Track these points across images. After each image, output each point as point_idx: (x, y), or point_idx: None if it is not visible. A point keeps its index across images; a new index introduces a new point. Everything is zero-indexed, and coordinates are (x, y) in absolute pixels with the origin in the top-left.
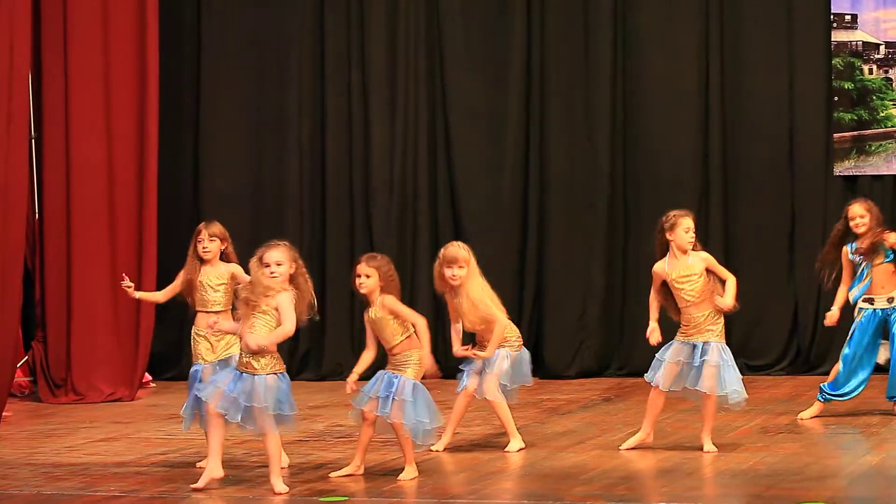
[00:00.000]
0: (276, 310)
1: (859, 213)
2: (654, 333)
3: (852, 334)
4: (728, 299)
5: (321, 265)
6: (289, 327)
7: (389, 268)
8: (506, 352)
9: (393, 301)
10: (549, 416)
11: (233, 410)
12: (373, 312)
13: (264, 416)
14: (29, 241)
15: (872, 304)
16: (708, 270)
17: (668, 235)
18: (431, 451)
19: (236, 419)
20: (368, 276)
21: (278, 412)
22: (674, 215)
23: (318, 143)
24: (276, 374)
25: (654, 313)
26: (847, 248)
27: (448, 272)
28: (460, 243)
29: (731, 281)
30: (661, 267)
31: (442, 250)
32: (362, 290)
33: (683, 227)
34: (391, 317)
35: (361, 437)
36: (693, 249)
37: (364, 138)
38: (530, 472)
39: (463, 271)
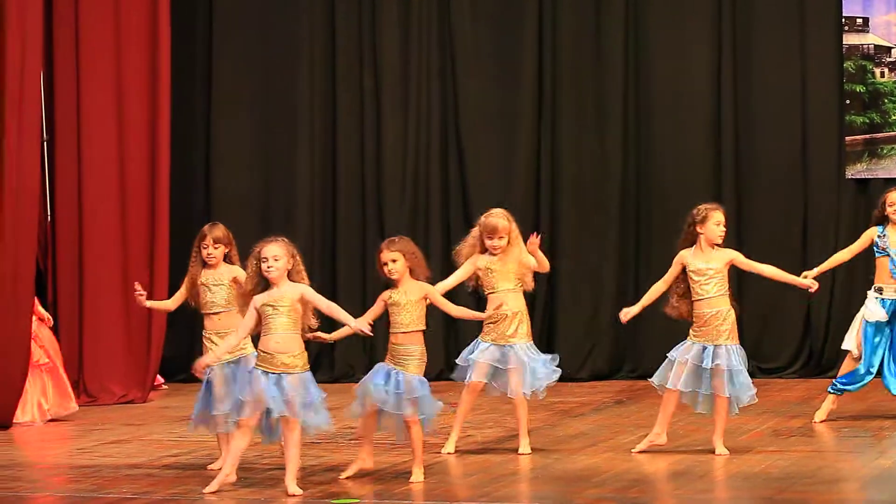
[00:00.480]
0: (295, 307)
1: None
2: (627, 315)
3: (864, 329)
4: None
5: (332, 265)
6: (329, 306)
7: (412, 246)
8: (527, 345)
9: (436, 294)
10: (560, 418)
11: (279, 410)
12: (397, 296)
13: (304, 412)
14: (41, 244)
15: (882, 293)
16: (734, 267)
17: (698, 228)
18: (442, 453)
19: (281, 415)
20: (395, 261)
21: (314, 410)
22: (705, 208)
23: (329, 143)
24: (301, 371)
25: (645, 300)
26: (876, 230)
27: (489, 242)
28: (502, 211)
29: (774, 269)
30: (686, 255)
31: (483, 218)
32: (394, 276)
33: (714, 220)
34: (420, 304)
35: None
36: (720, 246)
37: (376, 138)
38: (542, 475)
39: (503, 241)
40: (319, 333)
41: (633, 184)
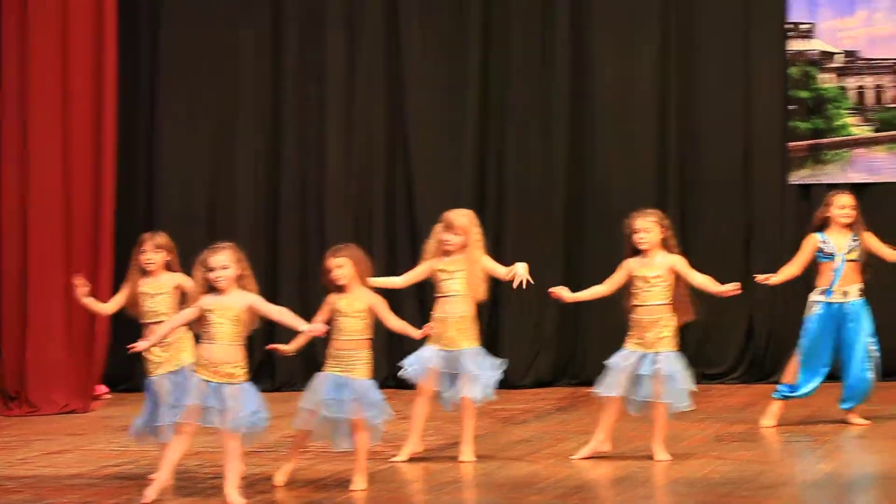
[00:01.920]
0: (241, 317)
1: (850, 204)
2: (560, 295)
3: (808, 330)
4: (717, 287)
5: (274, 277)
6: (280, 312)
7: (359, 252)
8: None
9: (381, 307)
10: (503, 425)
11: (218, 420)
12: (343, 302)
13: (241, 423)
14: None
15: (827, 296)
16: (678, 275)
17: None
18: (393, 461)
19: (219, 425)
20: (341, 267)
21: (254, 420)
22: (631, 217)
23: (273, 157)
24: (249, 381)
25: (583, 295)
26: (817, 236)
27: (443, 237)
28: (466, 210)
29: (704, 280)
30: (631, 262)
31: (445, 213)
32: (341, 282)
33: (633, 229)
34: (367, 314)
35: (297, 440)
36: (669, 251)
37: (319, 148)
38: (485, 482)
39: (458, 239)
40: (279, 346)
41: (578, 192)
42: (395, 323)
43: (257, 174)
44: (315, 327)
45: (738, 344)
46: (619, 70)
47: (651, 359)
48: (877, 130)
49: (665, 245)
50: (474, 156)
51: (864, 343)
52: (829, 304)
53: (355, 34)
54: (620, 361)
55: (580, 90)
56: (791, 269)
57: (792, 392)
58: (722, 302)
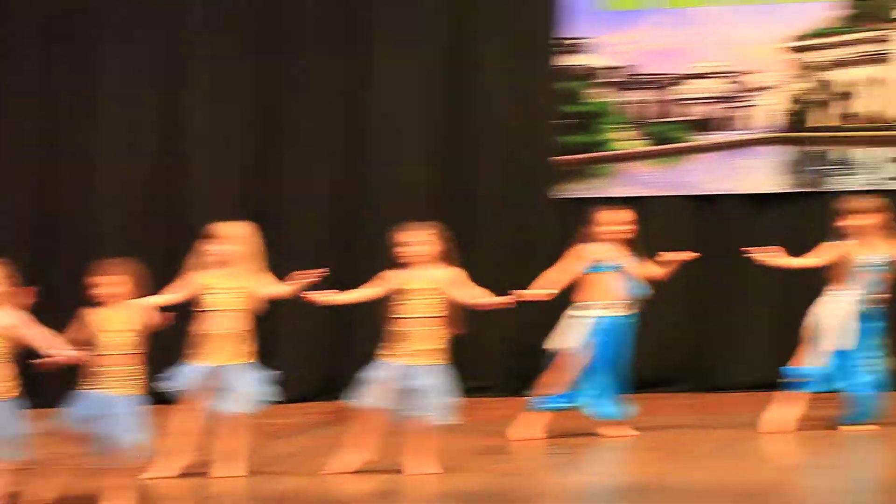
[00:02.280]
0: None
1: (620, 220)
2: (314, 296)
3: (582, 343)
4: (491, 300)
5: (50, 287)
6: (34, 336)
7: (131, 267)
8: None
9: (147, 320)
10: (267, 440)
11: None
12: (107, 319)
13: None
14: None
15: (605, 309)
16: (449, 289)
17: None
18: (155, 476)
19: None
20: (120, 283)
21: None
22: (397, 230)
23: (50, 170)
24: (9, 398)
25: (341, 296)
26: (591, 247)
27: (206, 246)
28: (240, 223)
29: (479, 291)
30: (397, 275)
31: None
32: (107, 298)
33: (397, 242)
34: (131, 326)
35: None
36: (445, 264)
37: (94, 164)
38: (248, 498)
39: (222, 248)
40: (44, 360)
41: (352, 206)
42: (160, 320)
43: (31, 187)
44: (63, 354)
45: (502, 357)
46: (396, 84)
47: (415, 371)
48: (647, 145)
49: (442, 258)
50: (251, 170)
51: (629, 357)
52: (603, 317)
53: (133, 46)
54: (381, 373)
55: (356, 103)
56: (556, 279)
57: (554, 403)
58: (487, 315)
